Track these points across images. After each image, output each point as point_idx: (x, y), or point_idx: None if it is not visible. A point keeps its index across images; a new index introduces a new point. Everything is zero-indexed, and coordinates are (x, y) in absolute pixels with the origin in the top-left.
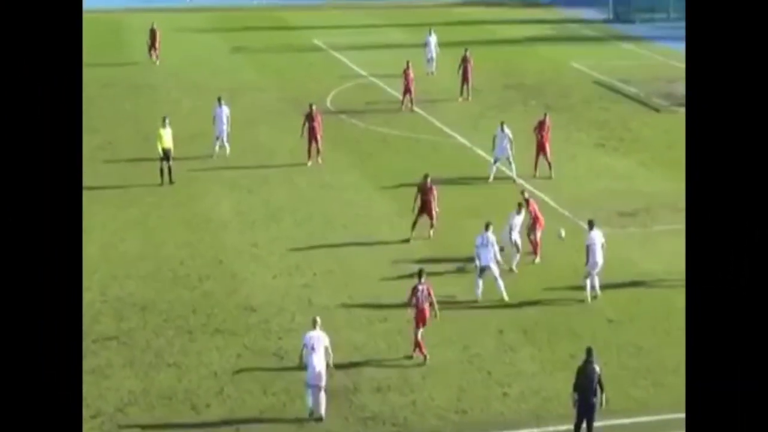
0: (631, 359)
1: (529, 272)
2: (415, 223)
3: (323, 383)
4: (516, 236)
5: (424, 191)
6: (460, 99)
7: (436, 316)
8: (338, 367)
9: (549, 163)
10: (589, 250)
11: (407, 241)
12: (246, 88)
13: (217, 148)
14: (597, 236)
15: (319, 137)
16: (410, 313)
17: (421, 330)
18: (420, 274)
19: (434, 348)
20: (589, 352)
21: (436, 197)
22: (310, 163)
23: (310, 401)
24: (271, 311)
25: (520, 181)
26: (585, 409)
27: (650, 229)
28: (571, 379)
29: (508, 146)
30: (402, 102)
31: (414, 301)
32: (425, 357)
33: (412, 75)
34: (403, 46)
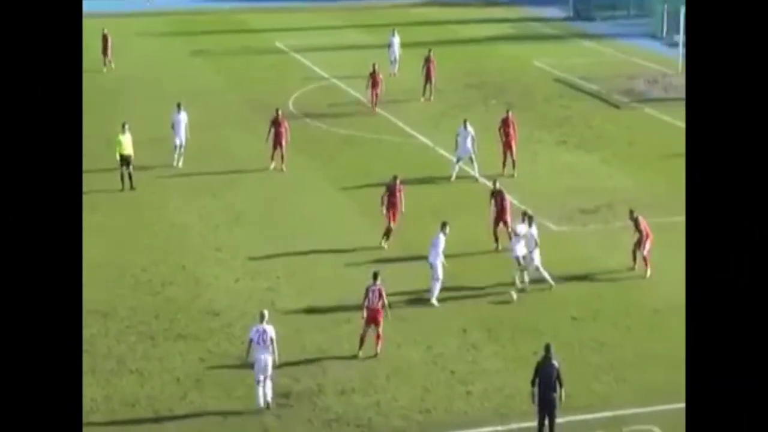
0: (594, 355)
1: (492, 270)
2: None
3: (269, 373)
4: (520, 252)
5: (392, 192)
6: (423, 99)
7: (387, 316)
8: (302, 369)
9: (513, 161)
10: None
11: (380, 247)
12: (207, 91)
13: (176, 156)
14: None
15: (284, 143)
16: (363, 313)
17: (371, 328)
18: (375, 276)
19: (398, 348)
20: (547, 348)
21: (402, 200)
22: (272, 166)
23: (259, 397)
24: (235, 315)
25: (482, 179)
26: (545, 405)
27: (612, 226)
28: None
29: (471, 145)
30: (372, 105)
31: (366, 302)
32: (358, 351)
33: (380, 77)
34: (365, 47)
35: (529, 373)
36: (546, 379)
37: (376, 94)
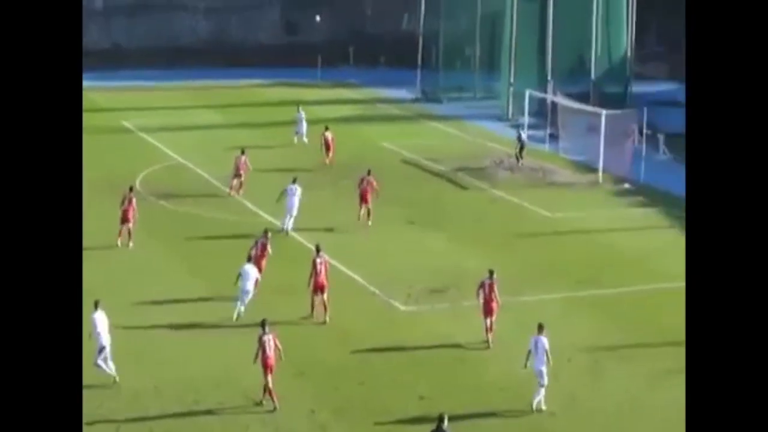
0: None
1: (340, 348)
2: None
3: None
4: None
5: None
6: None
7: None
8: None
9: (369, 212)
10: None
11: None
12: None
13: None
14: (542, 342)
15: (131, 221)
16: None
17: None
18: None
19: (246, 429)
20: (441, 418)
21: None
22: (119, 242)
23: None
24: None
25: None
26: None
27: (460, 305)
28: None
29: (296, 201)
30: (230, 187)
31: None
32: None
33: (244, 162)
34: (214, 126)
35: None
36: None
37: (239, 176)
